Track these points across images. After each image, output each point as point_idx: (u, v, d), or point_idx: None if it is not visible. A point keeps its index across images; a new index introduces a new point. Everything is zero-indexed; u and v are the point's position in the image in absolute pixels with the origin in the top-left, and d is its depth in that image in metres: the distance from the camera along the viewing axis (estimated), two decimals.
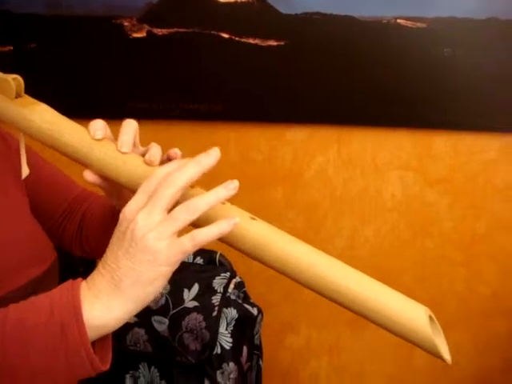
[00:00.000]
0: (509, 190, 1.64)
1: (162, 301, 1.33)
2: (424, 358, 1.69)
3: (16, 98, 0.74)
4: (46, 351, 0.60)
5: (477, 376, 1.77)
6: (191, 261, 1.43)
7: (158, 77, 1.62)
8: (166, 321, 1.32)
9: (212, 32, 1.57)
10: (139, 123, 0.74)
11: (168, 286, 1.34)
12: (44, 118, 0.72)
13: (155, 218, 0.61)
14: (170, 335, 1.32)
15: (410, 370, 1.79)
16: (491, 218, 1.66)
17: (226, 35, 1.57)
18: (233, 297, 1.38)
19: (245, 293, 1.44)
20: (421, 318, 0.61)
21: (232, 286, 1.40)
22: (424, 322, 0.61)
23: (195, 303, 1.33)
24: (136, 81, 1.63)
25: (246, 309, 1.40)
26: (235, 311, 1.36)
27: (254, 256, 0.66)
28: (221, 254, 1.44)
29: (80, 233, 0.95)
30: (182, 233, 0.62)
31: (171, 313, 1.33)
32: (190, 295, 1.34)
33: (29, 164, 0.80)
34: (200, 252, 1.43)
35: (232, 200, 0.65)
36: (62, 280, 0.65)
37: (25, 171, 0.80)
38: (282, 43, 1.56)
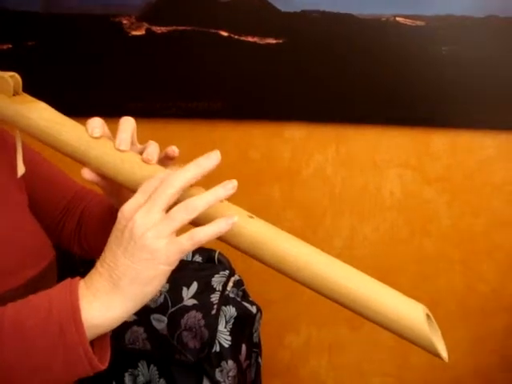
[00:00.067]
0: (507, 187, 1.64)
1: (161, 299, 1.33)
2: (423, 356, 1.69)
3: (14, 95, 0.74)
4: (44, 350, 0.60)
5: (476, 374, 1.77)
6: (190, 259, 1.43)
7: (157, 75, 1.62)
8: (165, 319, 1.32)
9: (211, 30, 1.57)
10: (137, 121, 0.74)
11: (167, 285, 1.34)
12: (42, 115, 0.72)
13: (154, 216, 0.61)
14: (168, 333, 1.32)
15: (409, 368, 1.79)
16: (489, 216, 1.66)
17: (224, 33, 1.57)
18: (232, 295, 1.38)
19: (244, 291, 1.44)
20: (418, 316, 0.61)
21: (231, 284, 1.40)
22: (421, 320, 0.61)
23: (194, 301, 1.33)
24: (135, 79, 1.63)
25: (245, 307, 1.40)
26: (234, 309, 1.36)
27: (251, 254, 0.66)
28: (220, 252, 1.44)
29: (79, 231, 0.95)
30: (180, 231, 0.62)
31: (170, 311, 1.33)
32: (188, 293, 1.34)
33: (26, 161, 0.80)
34: (199, 250, 1.43)
35: (230, 198, 0.65)
36: (62, 280, 0.65)
37: (20, 169, 0.80)
38: (280, 41, 1.56)
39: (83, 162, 0.72)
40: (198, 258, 1.43)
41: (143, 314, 1.33)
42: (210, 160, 0.64)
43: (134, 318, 1.33)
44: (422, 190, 1.67)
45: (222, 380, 1.32)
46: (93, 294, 0.61)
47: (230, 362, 1.34)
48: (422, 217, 1.69)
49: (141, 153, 0.71)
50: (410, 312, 0.61)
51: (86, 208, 0.94)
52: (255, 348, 1.49)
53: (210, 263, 1.43)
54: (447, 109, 1.58)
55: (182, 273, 1.37)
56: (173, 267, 0.62)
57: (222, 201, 0.65)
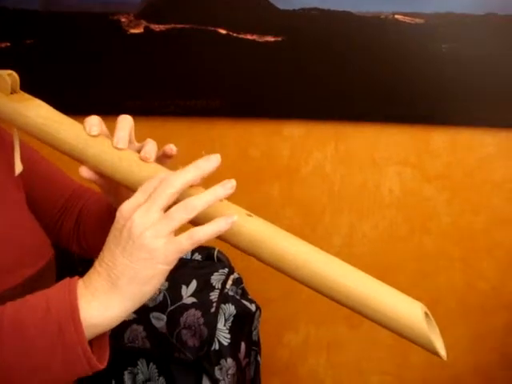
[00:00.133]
0: (507, 185, 1.64)
1: (160, 297, 1.33)
2: (422, 354, 1.69)
3: (11, 93, 0.73)
4: (43, 349, 0.60)
5: (475, 372, 1.77)
6: (189, 257, 1.43)
7: (156, 73, 1.62)
8: (164, 317, 1.32)
9: (209, 28, 1.57)
10: (135, 119, 0.74)
11: (166, 283, 1.34)
12: (39, 113, 0.72)
13: (152, 216, 0.61)
14: (168, 331, 1.32)
15: (408, 366, 1.79)
16: (489, 213, 1.66)
17: (223, 31, 1.57)
18: (231, 293, 1.38)
19: (243, 289, 1.44)
20: (416, 315, 0.61)
21: (230, 282, 1.40)
22: (419, 318, 0.61)
23: (193, 299, 1.33)
24: (133, 77, 1.63)
25: (244, 305, 1.40)
26: (233, 307, 1.36)
27: (250, 252, 0.66)
28: (219, 251, 1.44)
29: (77, 229, 0.95)
30: (178, 231, 0.62)
31: (169, 309, 1.33)
32: (188, 291, 1.34)
33: (24, 160, 0.80)
34: (198, 248, 1.43)
35: (229, 196, 0.65)
36: (60, 279, 0.65)
37: (18, 167, 0.80)
38: (279, 39, 1.56)
39: (81, 161, 0.71)
40: (197, 256, 1.43)
41: (142, 313, 1.33)
42: (210, 162, 0.64)
43: (134, 316, 1.33)
44: (421, 188, 1.66)
45: (221, 378, 1.33)
46: (91, 293, 0.61)
47: (230, 360, 1.34)
48: (421, 214, 1.68)
49: (139, 151, 0.71)
50: (408, 310, 0.61)
51: (84, 206, 0.94)
52: (254, 346, 1.49)
53: (210, 261, 1.43)
54: (447, 106, 1.58)
55: (181, 271, 1.37)
56: (171, 267, 0.62)
57: (220, 200, 0.65)
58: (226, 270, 1.40)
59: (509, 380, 1.76)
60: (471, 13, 1.50)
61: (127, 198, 0.63)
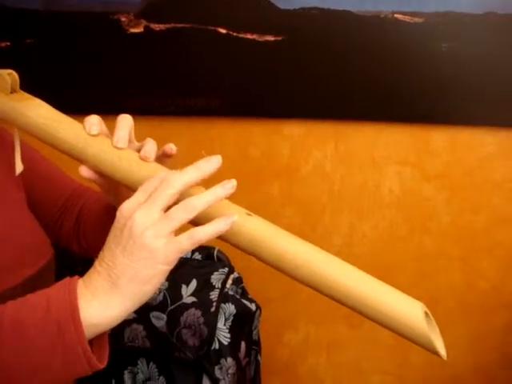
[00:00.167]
0: (507, 184, 1.64)
1: (160, 297, 1.33)
2: (422, 354, 1.69)
3: (11, 93, 0.73)
4: (43, 349, 0.60)
5: (476, 371, 1.77)
6: (189, 256, 1.43)
7: (156, 72, 1.62)
8: (164, 316, 1.32)
9: (209, 27, 1.57)
10: (135, 119, 0.74)
11: (166, 282, 1.34)
12: (39, 113, 0.72)
13: (153, 216, 0.61)
14: (168, 331, 1.32)
15: (408, 366, 1.79)
16: (489, 213, 1.66)
17: (223, 30, 1.57)
18: (231, 292, 1.38)
19: (243, 288, 1.44)
20: (416, 314, 0.61)
21: (230, 281, 1.40)
22: (419, 317, 0.61)
23: (193, 299, 1.33)
24: (133, 76, 1.63)
25: (244, 304, 1.40)
26: (233, 307, 1.36)
27: (250, 252, 0.66)
28: (219, 250, 1.44)
29: (77, 229, 0.95)
30: (179, 230, 0.62)
31: (169, 308, 1.33)
32: (188, 291, 1.34)
33: (24, 159, 0.80)
34: (198, 248, 1.41)
35: (229, 196, 0.65)
36: (60, 279, 0.65)
37: (19, 167, 0.80)
38: (279, 38, 1.56)
39: (81, 160, 0.71)
40: (197, 256, 1.43)
41: (142, 312, 1.33)
42: (211, 164, 0.64)
43: (134, 315, 1.33)
44: (421, 187, 1.66)
45: (221, 377, 1.33)
46: (91, 293, 0.61)
47: (230, 360, 1.34)
48: (421, 214, 1.68)
49: (138, 150, 0.71)
50: (408, 310, 0.61)
51: (84, 206, 0.94)
52: (254, 345, 1.49)
53: (209, 261, 1.43)
54: (447, 106, 1.58)
55: (181, 270, 1.37)
56: (171, 267, 0.62)
57: (221, 199, 0.65)
58: (226, 270, 1.40)
59: (509, 379, 1.76)
60: (471, 12, 1.50)
61: (127, 197, 0.63)
